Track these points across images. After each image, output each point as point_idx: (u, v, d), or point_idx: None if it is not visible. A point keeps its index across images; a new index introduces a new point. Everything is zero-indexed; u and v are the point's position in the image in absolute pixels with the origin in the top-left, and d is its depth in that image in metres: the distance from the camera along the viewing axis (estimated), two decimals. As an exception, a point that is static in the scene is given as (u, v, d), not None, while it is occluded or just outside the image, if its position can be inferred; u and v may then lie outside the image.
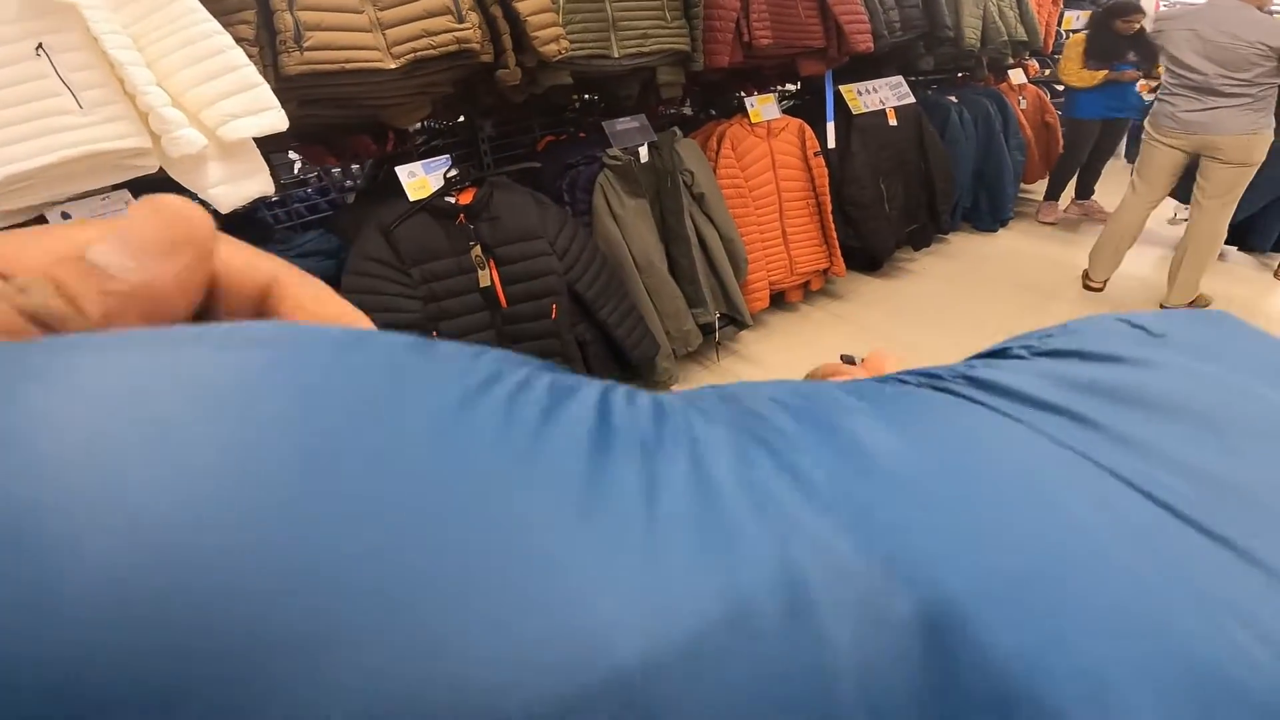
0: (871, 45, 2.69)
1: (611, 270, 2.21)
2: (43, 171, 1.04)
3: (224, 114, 1.16)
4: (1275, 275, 3.28)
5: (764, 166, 2.85)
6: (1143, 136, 2.93)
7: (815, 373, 0.36)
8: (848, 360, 0.38)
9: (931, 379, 0.19)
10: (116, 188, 1.25)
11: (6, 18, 0.97)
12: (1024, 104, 4.04)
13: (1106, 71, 3.55)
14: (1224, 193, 2.73)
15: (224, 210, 1.23)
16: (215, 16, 1.19)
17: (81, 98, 1.02)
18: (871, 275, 3.49)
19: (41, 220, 1.18)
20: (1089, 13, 4.06)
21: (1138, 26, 3.54)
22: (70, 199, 1.18)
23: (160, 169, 1.19)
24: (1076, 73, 3.65)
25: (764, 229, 2.90)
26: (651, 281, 2.43)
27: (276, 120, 1.24)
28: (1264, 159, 2.67)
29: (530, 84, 2.03)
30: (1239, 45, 2.47)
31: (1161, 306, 2.98)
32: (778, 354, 2.88)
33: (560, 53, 1.92)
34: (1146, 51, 3.50)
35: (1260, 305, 3.05)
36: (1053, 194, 4.18)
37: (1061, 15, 4.11)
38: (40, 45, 0.98)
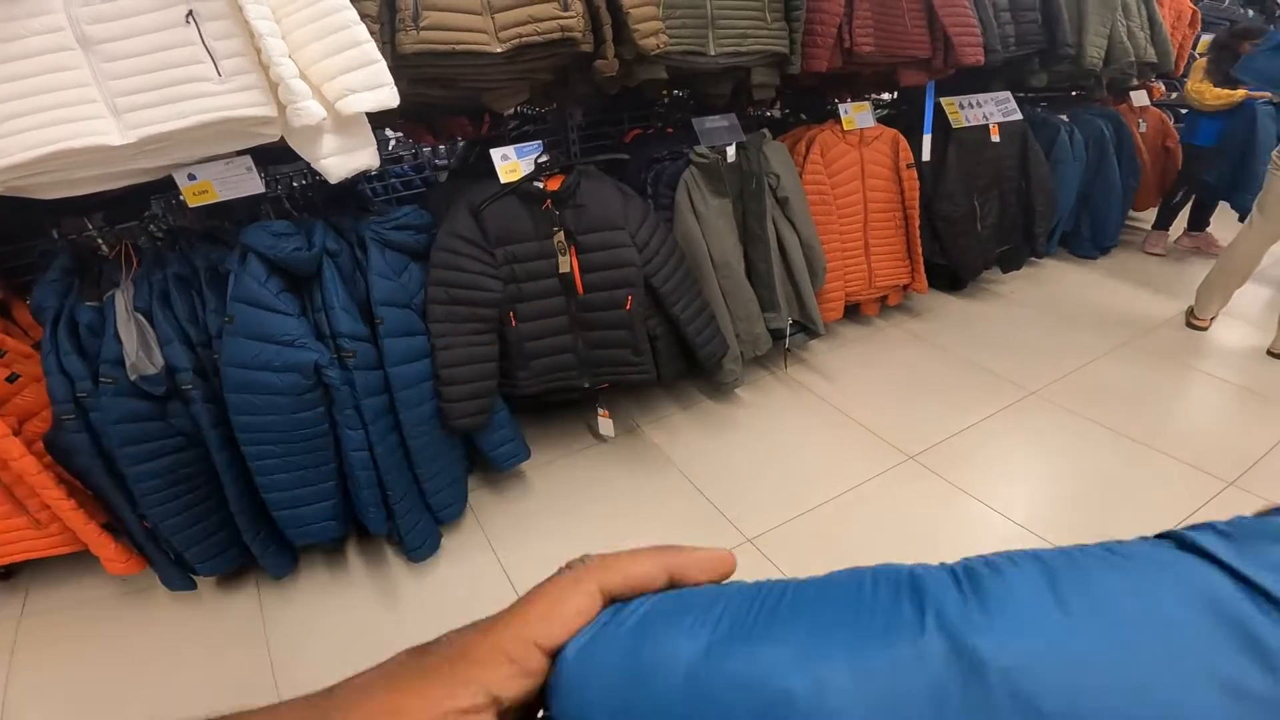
0: (982, 59, 2.56)
1: (688, 267, 2.20)
2: (179, 134, 1.12)
3: (344, 88, 1.21)
4: None
5: (852, 175, 2.77)
6: (1269, 167, 2.70)
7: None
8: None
9: None
10: (239, 153, 1.34)
11: (162, -16, 1.05)
12: (1144, 127, 3.77)
13: (1244, 89, 3.28)
14: None
15: (333, 180, 1.28)
16: (343, -8, 1.24)
17: (221, 66, 1.09)
18: (954, 295, 3.35)
19: (169, 182, 1.27)
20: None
21: None
22: (198, 162, 1.26)
23: (280, 138, 1.26)
24: (1213, 93, 3.38)
25: (846, 238, 2.82)
26: (727, 282, 2.40)
27: (389, 97, 1.28)
28: None
29: (625, 76, 2.04)
30: None
31: (1269, 353, 2.75)
32: (847, 367, 2.80)
33: (659, 46, 1.92)
34: None
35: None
36: (1163, 223, 3.90)
37: (1197, 39, 3.81)
38: (191, 13, 1.05)
